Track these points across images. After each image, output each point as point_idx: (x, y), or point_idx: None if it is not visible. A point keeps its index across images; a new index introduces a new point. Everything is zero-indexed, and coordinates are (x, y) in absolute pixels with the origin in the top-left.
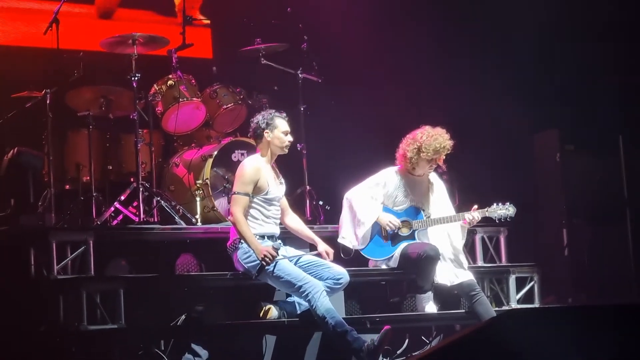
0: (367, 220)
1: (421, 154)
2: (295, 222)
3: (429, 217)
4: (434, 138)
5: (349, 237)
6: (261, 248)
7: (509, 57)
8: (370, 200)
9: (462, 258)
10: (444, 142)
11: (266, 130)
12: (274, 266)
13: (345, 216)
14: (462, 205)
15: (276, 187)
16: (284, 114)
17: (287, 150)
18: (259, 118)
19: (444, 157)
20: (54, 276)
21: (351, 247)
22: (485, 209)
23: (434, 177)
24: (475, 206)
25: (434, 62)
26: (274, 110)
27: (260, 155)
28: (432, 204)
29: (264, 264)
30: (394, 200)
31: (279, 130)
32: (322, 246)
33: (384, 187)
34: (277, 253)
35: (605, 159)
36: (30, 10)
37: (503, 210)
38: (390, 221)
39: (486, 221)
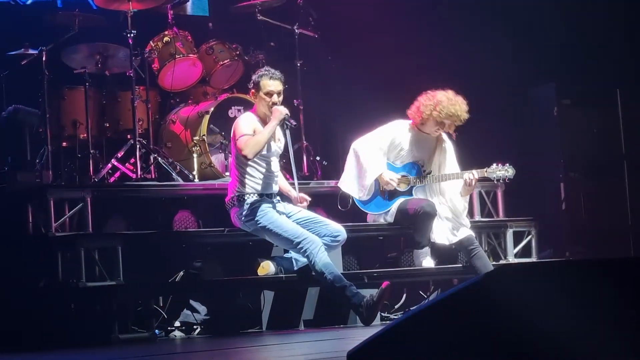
0: (371, 173)
1: (433, 112)
2: None
3: (429, 174)
4: (452, 103)
5: (349, 184)
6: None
7: (505, 9)
8: (377, 153)
9: (462, 216)
10: (460, 111)
11: (252, 90)
12: (272, 223)
13: (349, 164)
14: (458, 160)
15: (272, 143)
16: (276, 74)
17: (271, 112)
18: (252, 77)
19: (455, 126)
20: (52, 233)
21: (349, 193)
22: (484, 169)
23: (445, 137)
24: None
25: (431, 15)
26: (264, 69)
27: (254, 113)
28: (436, 163)
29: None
30: (398, 152)
31: (262, 92)
32: (294, 193)
33: (393, 137)
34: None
35: (602, 113)
36: None
37: (502, 171)
38: (391, 179)
39: (484, 178)
